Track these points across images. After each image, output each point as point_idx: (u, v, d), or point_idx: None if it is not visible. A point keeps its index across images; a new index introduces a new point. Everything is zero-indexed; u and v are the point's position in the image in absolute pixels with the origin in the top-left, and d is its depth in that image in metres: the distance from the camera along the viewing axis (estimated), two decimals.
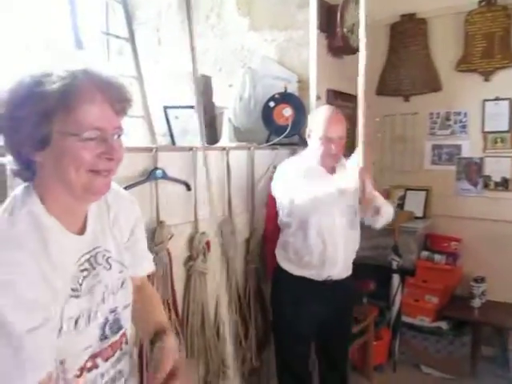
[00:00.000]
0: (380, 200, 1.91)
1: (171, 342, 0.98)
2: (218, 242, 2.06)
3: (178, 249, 1.83)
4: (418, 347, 2.91)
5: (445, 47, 3.09)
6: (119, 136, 0.82)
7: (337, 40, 2.69)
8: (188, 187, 1.86)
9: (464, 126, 3.09)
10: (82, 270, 0.85)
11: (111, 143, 0.79)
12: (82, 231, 0.88)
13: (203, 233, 1.92)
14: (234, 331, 2.16)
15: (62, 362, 0.80)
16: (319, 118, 1.92)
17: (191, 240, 1.90)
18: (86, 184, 0.78)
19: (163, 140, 2.29)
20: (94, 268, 0.88)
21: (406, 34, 3.21)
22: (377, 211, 1.89)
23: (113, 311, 0.91)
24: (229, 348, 2.09)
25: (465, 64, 3.02)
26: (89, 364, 0.85)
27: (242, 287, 2.22)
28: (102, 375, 0.89)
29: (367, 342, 2.75)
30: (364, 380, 2.77)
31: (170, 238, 1.75)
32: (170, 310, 1.75)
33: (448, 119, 3.14)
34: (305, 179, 1.86)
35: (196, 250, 1.88)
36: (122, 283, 0.94)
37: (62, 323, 0.79)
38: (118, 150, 0.81)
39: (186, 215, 1.89)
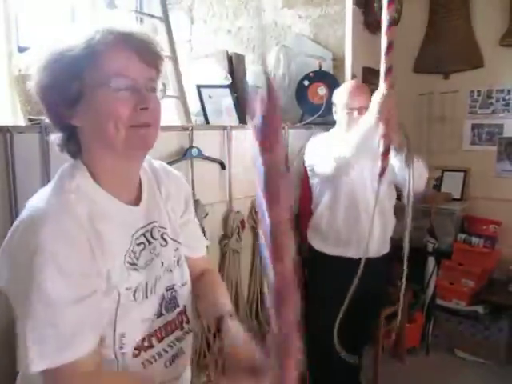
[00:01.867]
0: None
1: (237, 325, 0.91)
2: (252, 221, 2.06)
3: (212, 227, 1.84)
4: (453, 331, 2.86)
5: (488, 20, 2.93)
6: (154, 90, 0.81)
7: (374, 15, 2.60)
8: (222, 166, 1.86)
9: (507, 104, 2.95)
10: (139, 244, 0.85)
11: (144, 94, 0.78)
12: (137, 202, 0.88)
13: (238, 212, 1.93)
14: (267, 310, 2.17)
15: (122, 335, 0.80)
16: (342, 90, 1.93)
17: (226, 219, 1.91)
18: (126, 139, 0.77)
19: (197, 120, 2.29)
20: (150, 243, 0.87)
21: (447, 7, 3.05)
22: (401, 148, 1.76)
23: (169, 289, 0.90)
24: (261, 326, 2.11)
25: (510, 38, 2.86)
26: (146, 343, 0.84)
27: None
28: (160, 355, 0.87)
29: (400, 324, 2.72)
30: (396, 362, 2.75)
31: (205, 216, 1.77)
32: None
33: (490, 97, 3.00)
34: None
35: (230, 228, 1.89)
36: (178, 261, 0.94)
37: (120, 294, 0.79)
38: (154, 101, 0.79)
39: (220, 194, 1.90)
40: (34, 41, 1.73)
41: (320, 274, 2.03)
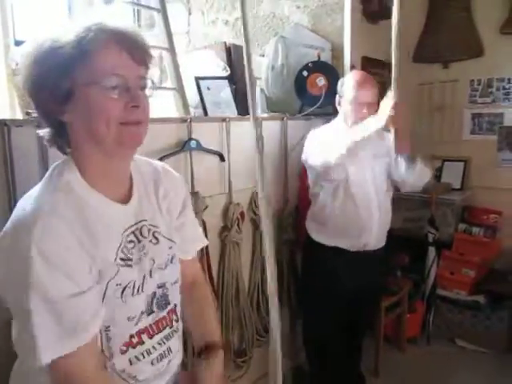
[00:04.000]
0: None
1: (219, 365, 0.98)
2: (252, 212, 2.06)
3: (212, 219, 1.84)
4: (453, 321, 2.87)
5: (488, 9, 2.91)
6: (144, 88, 0.82)
7: (372, 4, 2.58)
8: (222, 158, 1.85)
9: (507, 93, 2.94)
10: (130, 242, 0.86)
11: (135, 92, 0.79)
12: (126, 200, 0.88)
13: (237, 204, 1.93)
14: (268, 301, 2.18)
15: (106, 329, 0.81)
16: (349, 83, 1.89)
17: (225, 211, 1.91)
18: (116, 137, 0.78)
19: (196, 112, 2.28)
20: (140, 241, 0.88)
21: None
22: (410, 159, 1.81)
23: (161, 286, 0.91)
24: (262, 317, 2.12)
25: (510, 26, 2.83)
26: (134, 340, 0.86)
27: (275, 258, 2.22)
28: (148, 352, 0.88)
29: (401, 314, 2.73)
30: (397, 352, 2.77)
31: (205, 208, 1.77)
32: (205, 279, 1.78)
33: (490, 86, 2.99)
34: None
35: (230, 220, 1.89)
36: (172, 259, 0.95)
37: (107, 289, 0.80)
38: (144, 100, 0.81)
39: (220, 186, 1.89)
40: (31, 34, 1.72)
41: (318, 264, 2.03)
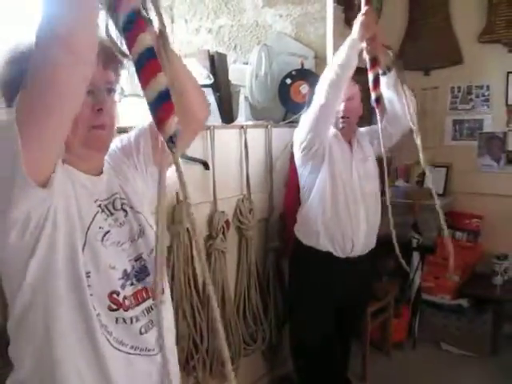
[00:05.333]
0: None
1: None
2: (237, 221, 2.06)
3: (197, 228, 1.82)
4: (438, 325, 2.89)
5: (467, 17, 2.97)
6: (110, 92, 0.86)
7: (354, 13, 2.60)
8: (206, 166, 1.85)
9: (486, 100, 2.99)
10: (102, 212, 0.89)
11: (100, 96, 0.84)
12: (98, 172, 0.92)
13: (222, 212, 1.92)
14: (254, 310, 2.17)
15: (87, 275, 0.82)
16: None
17: (210, 219, 1.90)
18: (84, 139, 0.83)
19: None
20: (112, 214, 0.91)
21: (426, 5, 3.09)
22: (388, 67, 1.79)
23: (138, 259, 0.92)
24: (249, 326, 2.11)
25: (488, 35, 2.90)
26: (120, 300, 0.86)
27: (261, 266, 2.22)
28: (137, 319, 0.89)
29: (387, 319, 2.75)
30: (383, 357, 2.78)
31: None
32: (190, 289, 1.77)
33: (470, 93, 3.05)
34: None
35: (215, 229, 1.88)
36: (142, 231, 0.95)
37: (89, 230, 0.83)
38: (109, 103, 0.85)
39: (204, 195, 1.88)
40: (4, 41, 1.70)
41: (306, 268, 2.03)
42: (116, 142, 1.01)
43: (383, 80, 1.80)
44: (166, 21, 2.97)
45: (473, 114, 3.05)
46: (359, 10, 1.72)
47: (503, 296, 2.75)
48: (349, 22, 2.67)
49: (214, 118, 2.10)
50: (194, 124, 1.00)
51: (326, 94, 1.75)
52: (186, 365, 1.77)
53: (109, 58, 0.85)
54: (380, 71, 1.77)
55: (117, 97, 0.88)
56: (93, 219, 0.85)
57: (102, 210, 0.88)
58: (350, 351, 2.28)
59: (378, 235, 2.07)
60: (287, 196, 2.32)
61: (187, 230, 1.73)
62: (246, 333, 2.10)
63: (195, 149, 1.81)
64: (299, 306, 2.10)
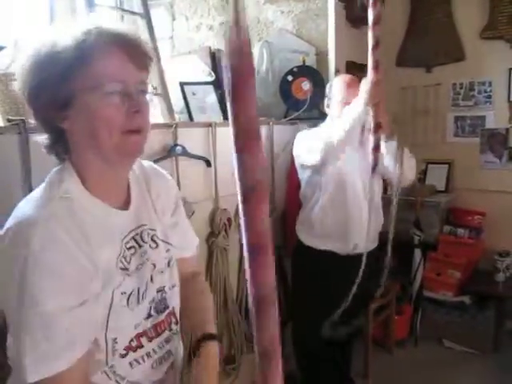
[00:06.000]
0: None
1: (214, 357, 0.93)
2: (238, 218, 2.05)
3: (199, 225, 1.83)
4: (441, 322, 2.89)
5: (469, 14, 2.96)
6: (144, 93, 0.79)
7: (356, 9, 2.60)
8: (208, 163, 1.84)
9: (488, 97, 2.98)
10: (129, 248, 0.84)
11: (136, 97, 0.76)
12: (126, 206, 0.86)
13: (224, 209, 1.92)
14: None
15: (114, 341, 0.79)
16: (338, 85, 1.93)
17: (212, 217, 1.89)
18: (118, 145, 0.76)
19: (181, 117, 2.27)
20: (141, 246, 0.86)
21: (428, 1, 3.07)
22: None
23: (160, 290, 0.89)
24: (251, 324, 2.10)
25: (490, 31, 2.88)
26: (134, 343, 0.84)
27: None
28: (148, 355, 0.87)
29: (389, 317, 2.75)
30: (386, 354, 2.77)
31: (192, 214, 1.75)
32: None
33: (472, 89, 3.03)
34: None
35: (217, 226, 1.88)
36: (169, 262, 0.93)
37: (114, 299, 0.78)
38: (145, 105, 0.79)
39: (206, 192, 1.88)
40: (10, 40, 1.69)
41: (308, 268, 2.03)
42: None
43: (383, 146, 1.84)
44: (167, 18, 2.95)
45: (475, 110, 3.04)
46: (361, 8, 1.73)
47: (505, 293, 2.75)
48: (350, 19, 2.67)
49: (216, 115, 2.10)
50: None
51: (324, 154, 1.81)
52: (187, 363, 1.77)
53: (143, 57, 0.78)
54: (383, 137, 1.80)
55: (149, 97, 0.81)
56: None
57: (129, 248, 0.84)
58: (352, 350, 2.28)
59: (381, 233, 2.07)
60: (289, 194, 2.31)
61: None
62: (248, 330, 2.09)
63: (197, 146, 1.81)
64: (301, 306, 2.10)
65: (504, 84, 2.90)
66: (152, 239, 0.89)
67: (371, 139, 1.68)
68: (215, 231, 1.89)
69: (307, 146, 1.92)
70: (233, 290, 2.00)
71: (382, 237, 2.08)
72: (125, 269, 0.82)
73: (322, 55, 2.57)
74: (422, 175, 3.22)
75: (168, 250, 0.93)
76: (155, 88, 0.83)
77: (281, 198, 2.33)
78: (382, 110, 1.70)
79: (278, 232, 2.28)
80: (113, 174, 0.83)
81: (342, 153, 1.84)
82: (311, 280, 2.00)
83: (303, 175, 2.01)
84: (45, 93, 0.74)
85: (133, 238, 0.85)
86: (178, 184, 1.70)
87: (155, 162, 1.57)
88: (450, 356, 2.75)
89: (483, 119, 3.02)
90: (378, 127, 1.69)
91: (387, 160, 1.88)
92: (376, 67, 1.57)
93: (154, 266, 0.88)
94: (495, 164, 2.98)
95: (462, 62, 3.03)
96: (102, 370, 0.80)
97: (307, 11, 2.62)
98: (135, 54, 0.77)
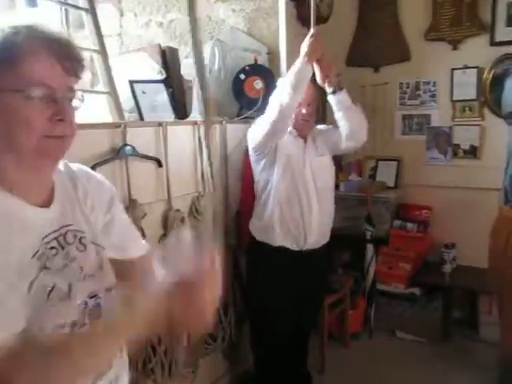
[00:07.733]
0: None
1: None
2: (193, 218, 2.02)
3: (152, 227, 1.78)
4: (393, 313, 2.98)
5: (413, 16, 3.07)
6: (71, 100, 0.76)
7: (305, 9, 2.63)
8: (159, 164, 1.80)
9: (433, 96, 3.11)
10: (51, 248, 0.79)
11: (62, 104, 0.73)
12: (47, 204, 0.82)
13: (177, 210, 1.88)
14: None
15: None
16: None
17: (165, 218, 1.85)
18: (38, 148, 0.72)
19: (131, 117, 2.20)
20: (63, 248, 0.82)
21: (375, 3, 3.16)
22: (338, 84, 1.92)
23: (93, 296, 0.85)
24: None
25: (433, 32, 3.01)
26: None
27: None
28: None
29: (343, 311, 2.81)
30: (341, 347, 2.83)
31: (143, 216, 1.71)
32: None
33: (418, 89, 3.15)
34: None
35: (171, 227, 1.84)
36: (100, 266, 0.88)
37: (31, 289, 0.74)
38: (71, 113, 0.75)
39: (158, 193, 1.84)
40: None
41: (261, 264, 2.04)
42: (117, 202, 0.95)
43: (335, 99, 1.92)
44: (115, 14, 2.87)
45: (421, 109, 3.16)
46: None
47: (452, 283, 2.88)
48: (301, 18, 2.69)
49: (167, 114, 2.06)
50: None
51: (279, 115, 1.80)
52: (143, 368, 1.72)
53: (73, 63, 0.74)
54: (331, 89, 1.91)
55: (77, 103, 0.78)
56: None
57: (51, 248, 0.79)
58: (308, 344, 2.31)
59: (332, 229, 2.11)
60: (243, 193, 2.31)
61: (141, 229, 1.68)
62: (206, 332, 2.07)
63: (148, 146, 1.76)
64: (257, 303, 2.11)
65: (447, 84, 3.03)
66: (80, 241, 0.85)
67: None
68: (169, 232, 1.85)
69: (259, 122, 1.94)
70: None
71: (333, 233, 2.12)
72: (45, 267, 0.77)
73: (273, 54, 2.58)
74: (373, 172, 3.31)
75: (98, 253, 0.89)
76: (82, 95, 0.79)
77: (234, 197, 2.32)
78: (326, 63, 1.84)
79: (232, 231, 2.27)
80: (33, 176, 0.79)
81: (292, 112, 1.86)
82: (266, 276, 2.01)
83: (257, 169, 2.01)
84: None
85: (55, 238, 0.81)
86: (129, 186, 1.65)
87: (103, 163, 1.52)
88: (402, 346, 2.85)
89: (429, 118, 3.14)
90: (324, 78, 1.86)
91: (339, 116, 1.94)
92: (316, 23, 1.76)
93: (82, 268, 0.84)
94: (440, 160, 3.11)
95: (407, 62, 3.14)
96: None
97: (258, 10, 2.62)
98: (66, 59, 0.73)
